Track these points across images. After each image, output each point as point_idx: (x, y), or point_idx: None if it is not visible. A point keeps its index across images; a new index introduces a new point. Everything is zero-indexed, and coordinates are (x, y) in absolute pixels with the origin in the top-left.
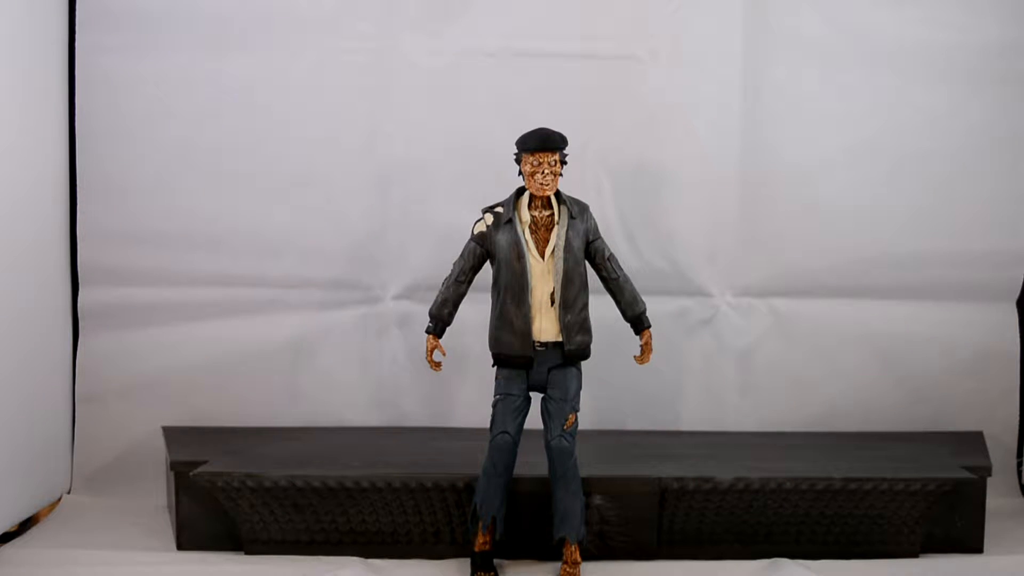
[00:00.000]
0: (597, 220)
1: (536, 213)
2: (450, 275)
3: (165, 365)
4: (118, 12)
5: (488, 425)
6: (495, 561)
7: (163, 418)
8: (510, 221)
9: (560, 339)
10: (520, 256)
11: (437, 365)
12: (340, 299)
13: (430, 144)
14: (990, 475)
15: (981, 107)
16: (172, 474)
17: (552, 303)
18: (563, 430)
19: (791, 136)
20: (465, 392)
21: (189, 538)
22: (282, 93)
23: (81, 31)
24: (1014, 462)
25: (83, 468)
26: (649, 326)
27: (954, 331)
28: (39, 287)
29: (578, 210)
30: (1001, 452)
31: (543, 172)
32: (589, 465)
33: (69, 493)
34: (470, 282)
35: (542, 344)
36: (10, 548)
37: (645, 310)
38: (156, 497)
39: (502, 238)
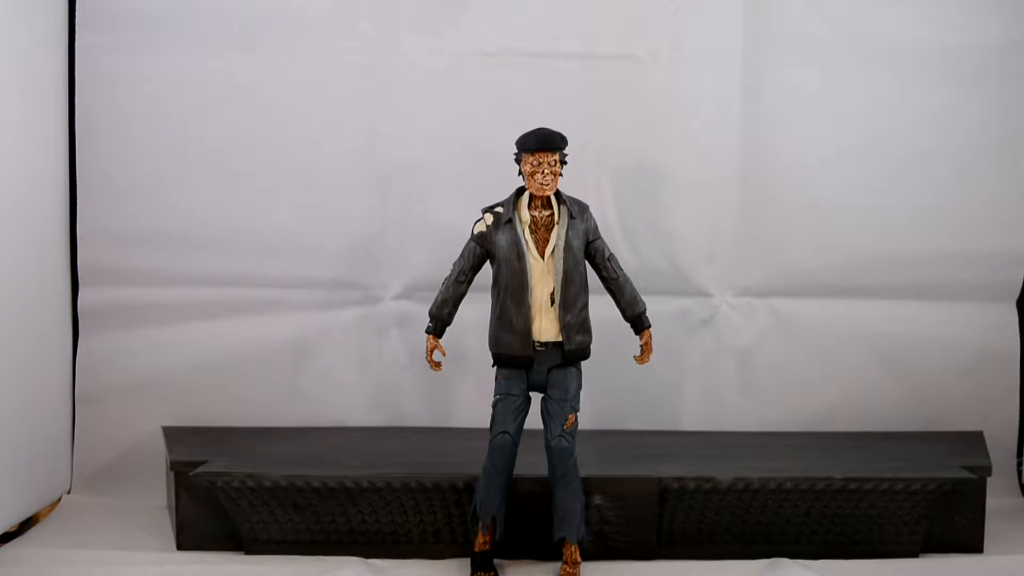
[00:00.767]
0: (597, 220)
1: (536, 213)
2: (450, 275)
3: (165, 365)
4: (118, 12)
5: (488, 425)
6: (495, 561)
7: (163, 418)
8: (510, 221)
9: (560, 339)
10: (520, 256)
11: (437, 365)
12: (340, 299)
13: (430, 144)
14: (990, 475)
15: (981, 107)
16: (172, 474)
17: (552, 303)
18: (563, 430)
19: (791, 136)
20: (465, 392)
21: (189, 538)
22: (282, 93)
23: (81, 31)
24: (1014, 462)
25: (83, 468)
26: (649, 326)
27: (954, 331)
28: (39, 287)
29: (578, 210)
30: (1001, 452)
31: (543, 172)
32: (589, 465)
33: (69, 493)
34: (470, 282)
35: (542, 344)
36: (10, 548)
37: (645, 310)
38: (156, 497)
39: (502, 238)
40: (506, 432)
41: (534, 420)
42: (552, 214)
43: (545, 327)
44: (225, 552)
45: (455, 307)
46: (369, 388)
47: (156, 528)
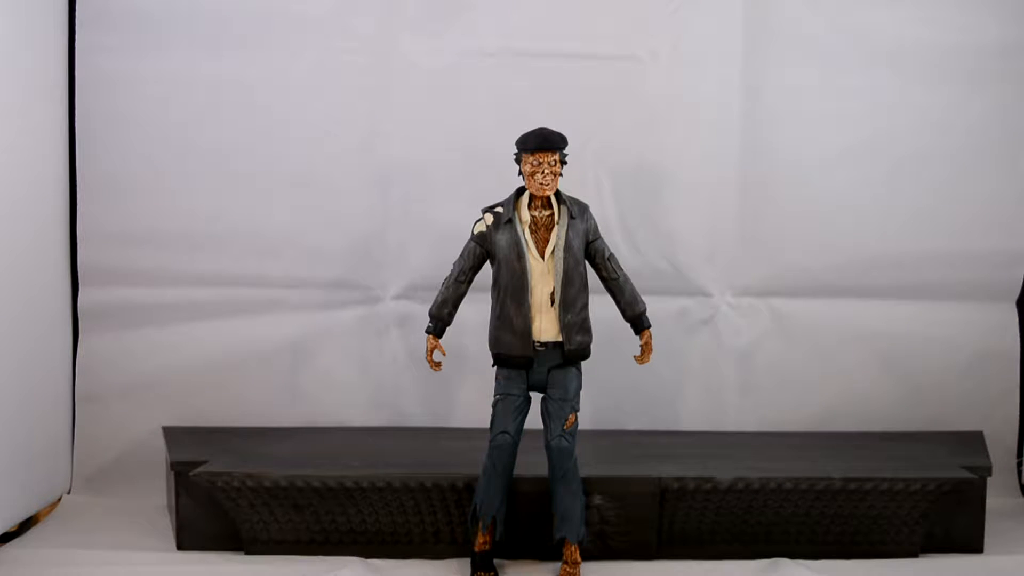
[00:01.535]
0: (597, 220)
1: (536, 213)
2: (450, 275)
3: (165, 365)
4: (118, 12)
5: (488, 425)
6: (495, 561)
7: (163, 418)
8: (510, 221)
9: (560, 339)
10: (520, 256)
11: (437, 365)
12: (340, 299)
13: (430, 144)
14: (990, 475)
15: (981, 107)
16: (172, 474)
17: (552, 303)
18: (563, 430)
19: (791, 136)
20: (465, 392)
21: (189, 538)
22: (282, 93)
23: (81, 31)
24: (1014, 462)
25: (83, 468)
26: (649, 326)
27: (954, 331)
28: (39, 287)
29: (578, 210)
30: (1001, 452)
31: (543, 172)
32: (589, 465)
33: (69, 493)
34: (470, 282)
35: (542, 344)
36: (10, 548)
37: (645, 310)
38: (156, 497)
39: (502, 238)
40: (506, 432)
41: (534, 420)
42: (552, 214)
43: (545, 327)
44: (225, 552)
45: (455, 307)
46: (369, 388)
47: (156, 528)
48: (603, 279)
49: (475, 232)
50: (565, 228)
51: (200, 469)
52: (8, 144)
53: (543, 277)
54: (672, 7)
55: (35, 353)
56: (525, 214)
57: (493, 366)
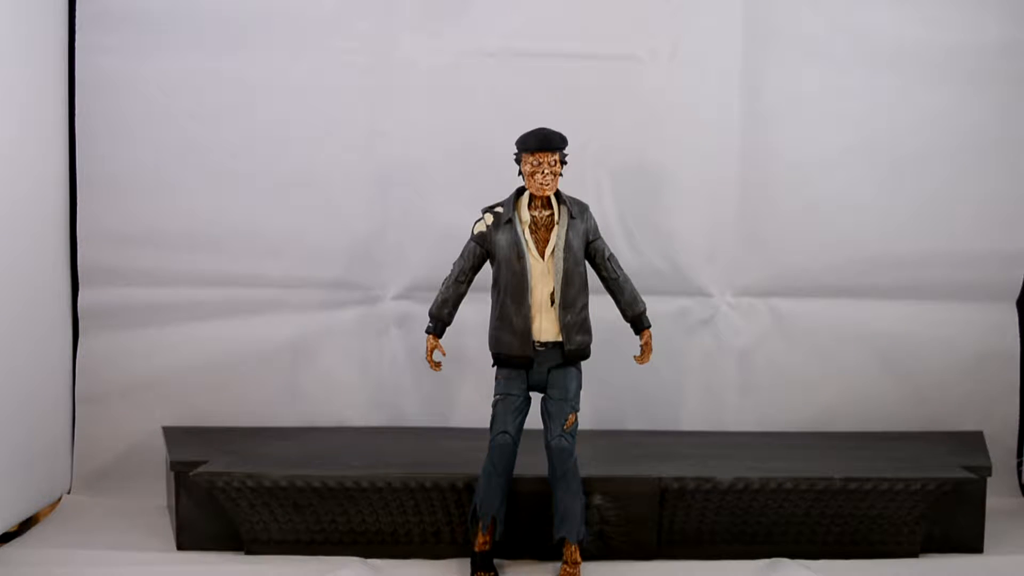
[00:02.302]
0: (597, 220)
1: (536, 213)
2: (450, 275)
3: (165, 365)
4: (118, 12)
5: (488, 425)
6: (495, 561)
7: (163, 418)
8: (510, 221)
9: (560, 339)
10: (520, 256)
11: (437, 365)
12: (340, 299)
13: (430, 144)
14: (990, 475)
15: (981, 107)
16: (172, 474)
17: (552, 303)
18: (563, 430)
19: (791, 136)
20: (465, 392)
21: (189, 538)
22: (282, 93)
23: (81, 31)
24: (1014, 462)
25: (83, 468)
26: (649, 326)
27: (954, 331)
28: (39, 287)
29: (578, 210)
30: (1001, 452)
31: (543, 172)
32: (589, 465)
33: (69, 493)
34: (470, 282)
35: (542, 344)
36: (10, 548)
37: (645, 310)
38: (156, 497)
39: (502, 238)
40: (506, 432)
41: (534, 420)
42: (552, 214)
43: (545, 327)
44: (225, 552)
45: (455, 307)
46: (369, 388)
47: (156, 528)
48: (603, 279)
49: (475, 232)
50: (565, 228)
51: (200, 469)
52: (8, 144)
53: (543, 277)
54: (672, 7)
55: (35, 353)
56: (525, 214)
57: (493, 366)
